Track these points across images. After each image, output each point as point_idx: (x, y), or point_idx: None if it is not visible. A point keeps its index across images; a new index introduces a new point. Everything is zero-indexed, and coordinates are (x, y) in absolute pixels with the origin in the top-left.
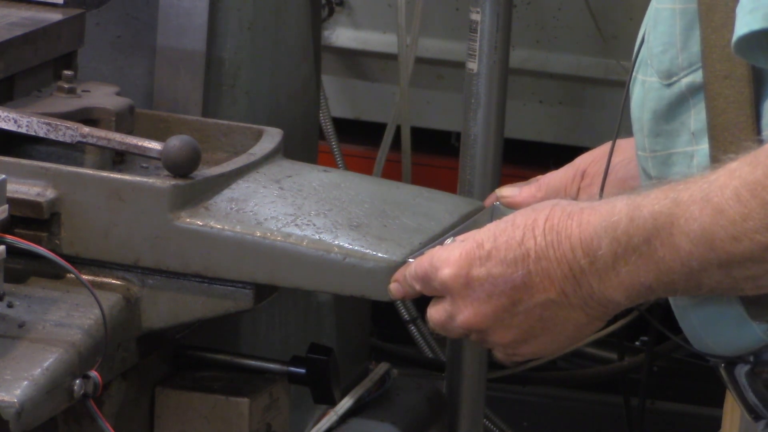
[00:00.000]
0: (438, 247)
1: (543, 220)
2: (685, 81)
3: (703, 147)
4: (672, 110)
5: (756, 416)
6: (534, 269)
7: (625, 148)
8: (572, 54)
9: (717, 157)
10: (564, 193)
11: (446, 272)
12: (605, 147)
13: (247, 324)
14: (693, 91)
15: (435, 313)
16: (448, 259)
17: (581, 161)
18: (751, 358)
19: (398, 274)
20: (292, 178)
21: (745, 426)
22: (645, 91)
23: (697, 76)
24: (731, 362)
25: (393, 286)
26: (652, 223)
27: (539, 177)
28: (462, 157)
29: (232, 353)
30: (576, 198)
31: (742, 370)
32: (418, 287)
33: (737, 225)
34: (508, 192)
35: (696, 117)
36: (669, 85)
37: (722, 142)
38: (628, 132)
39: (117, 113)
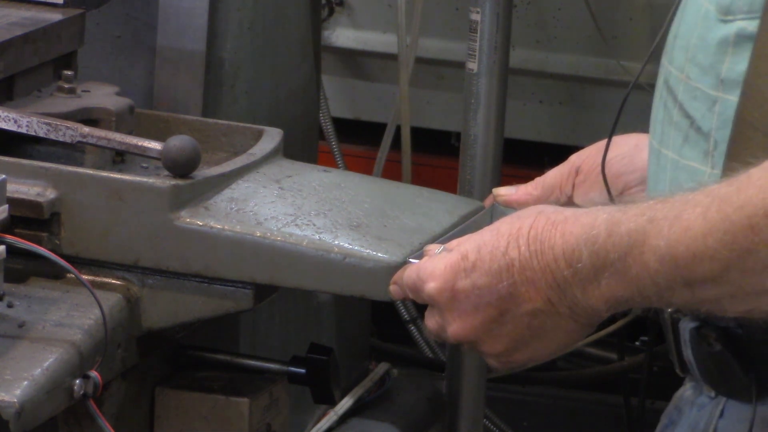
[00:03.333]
0: (425, 258)
1: (527, 228)
2: (738, 25)
3: (729, 98)
4: (716, 47)
5: (684, 372)
6: (519, 279)
7: (619, 143)
8: (572, 54)
9: (744, 114)
10: (559, 190)
11: (431, 286)
12: (599, 144)
13: (247, 324)
14: (739, 38)
15: (429, 322)
16: (433, 272)
17: (576, 158)
18: (701, 316)
19: (397, 277)
20: (292, 178)
21: None
22: (703, 15)
23: (750, 25)
24: (678, 311)
25: (392, 288)
26: (627, 240)
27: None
28: (462, 157)
29: (232, 353)
30: (571, 195)
31: (687, 325)
32: (411, 296)
33: (698, 241)
34: (505, 191)
35: (730, 66)
36: (723, 22)
37: (753, 101)
38: (622, 130)
39: (117, 113)
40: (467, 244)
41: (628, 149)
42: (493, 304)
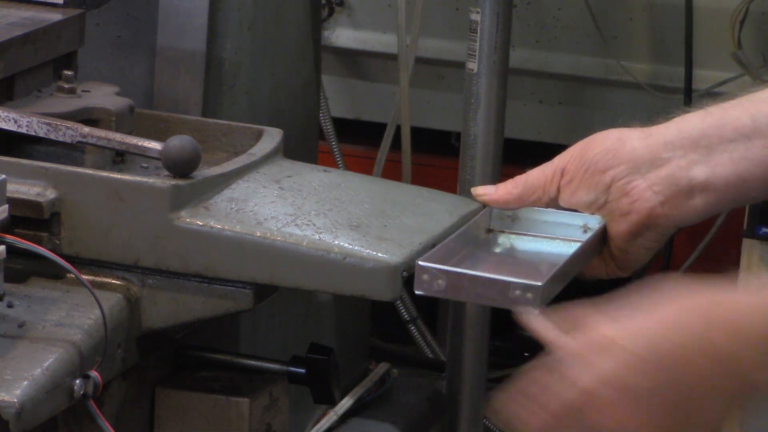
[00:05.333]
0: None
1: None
2: None
3: None
4: None
5: None
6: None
7: (601, 139)
8: (572, 54)
9: None
10: (542, 191)
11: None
12: (582, 143)
13: (247, 324)
14: None
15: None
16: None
17: (560, 159)
18: None
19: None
20: (292, 178)
21: (745, 426)
22: None
23: None
24: None
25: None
26: None
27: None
28: (462, 157)
29: (232, 353)
30: (555, 196)
31: None
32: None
33: None
34: (483, 190)
35: None
36: None
37: None
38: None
39: (117, 113)
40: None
41: (611, 143)
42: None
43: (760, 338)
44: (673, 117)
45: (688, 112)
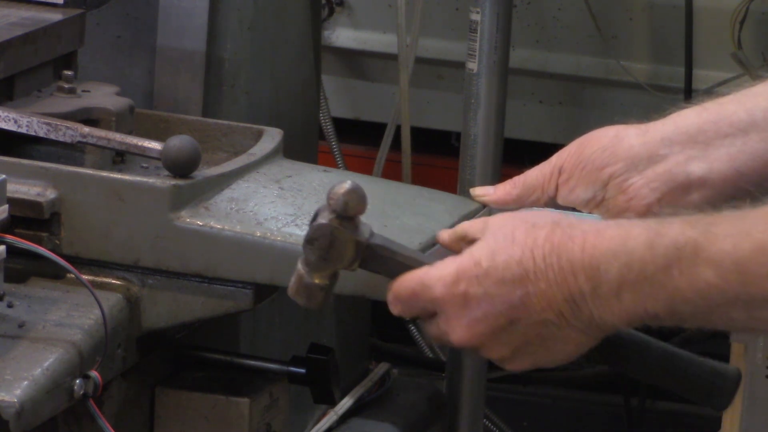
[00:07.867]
0: (426, 267)
1: (542, 239)
2: None
3: None
4: None
5: None
6: (532, 290)
7: (598, 137)
8: (572, 54)
9: None
10: (541, 190)
11: (440, 290)
12: (579, 141)
13: (247, 324)
14: None
15: (431, 328)
16: (441, 276)
17: (557, 158)
18: None
19: (392, 287)
20: (292, 178)
21: (746, 426)
22: None
23: None
24: None
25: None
26: (674, 252)
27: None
28: (462, 157)
29: (232, 353)
30: (554, 195)
31: None
32: (397, 309)
33: None
34: (482, 191)
35: None
36: None
37: None
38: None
39: (117, 113)
40: (479, 251)
41: (608, 141)
42: (504, 314)
43: (589, 263)
44: (669, 113)
45: (684, 108)
